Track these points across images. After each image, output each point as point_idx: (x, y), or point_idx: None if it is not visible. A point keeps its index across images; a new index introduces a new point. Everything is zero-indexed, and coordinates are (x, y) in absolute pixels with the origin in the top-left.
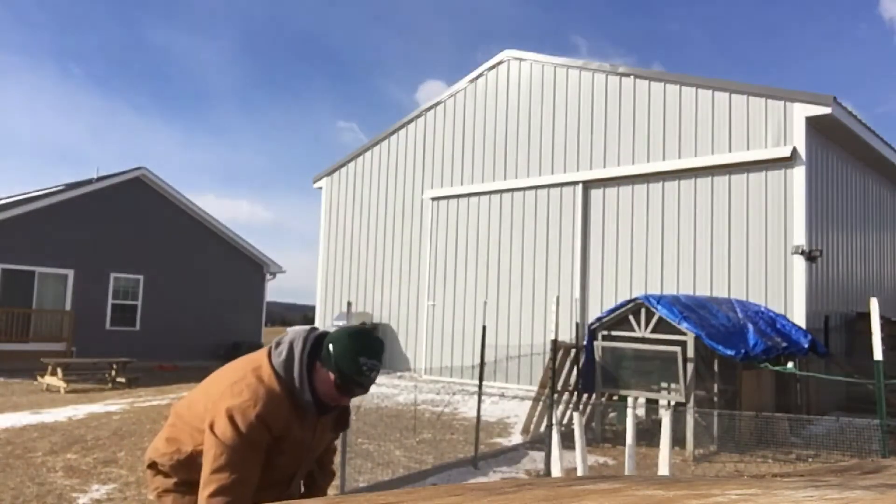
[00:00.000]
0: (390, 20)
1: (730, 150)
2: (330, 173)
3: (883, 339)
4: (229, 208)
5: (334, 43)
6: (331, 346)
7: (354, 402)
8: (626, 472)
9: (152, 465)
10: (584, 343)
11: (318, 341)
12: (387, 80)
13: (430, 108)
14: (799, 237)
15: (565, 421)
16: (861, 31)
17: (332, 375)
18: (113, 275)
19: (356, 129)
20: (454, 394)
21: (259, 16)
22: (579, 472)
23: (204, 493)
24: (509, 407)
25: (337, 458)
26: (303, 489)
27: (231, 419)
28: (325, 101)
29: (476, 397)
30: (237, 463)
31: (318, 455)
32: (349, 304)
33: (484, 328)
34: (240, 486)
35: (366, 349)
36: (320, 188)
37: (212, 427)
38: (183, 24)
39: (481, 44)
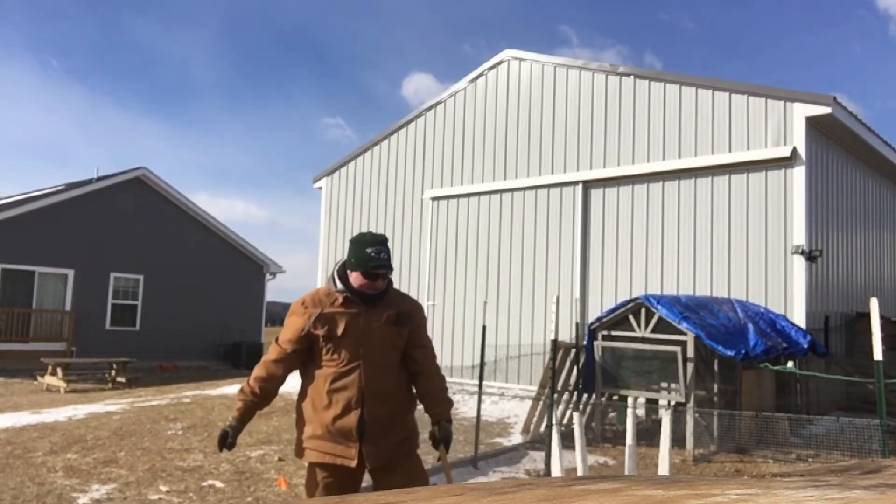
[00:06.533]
0: (373, 11)
1: (730, 150)
2: (330, 173)
3: (883, 339)
4: (223, 207)
5: (317, 36)
6: (349, 256)
7: None
8: (626, 472)
9: None
10: (584, 343)
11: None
12: (371, 73)
13: (429, 109)
14: (799, 237)
15: (565, 421)
16: (858, 22)
17: (357, 273)
18: (113, 275)
19: (343, 125)
20: (454, 394)
21: (240, 7)
22: (579, 472)
23: None
24: (509, 407)
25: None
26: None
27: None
28: (309, 96)
29: (476, 397)
30: (283, 329)
31: (382, 348)
32: None
33: (484, 328)
34: (279, 343)
35: (367, 242)
36: (320, 188)
37: None
38: (163, 15)
39: (467, 35)
